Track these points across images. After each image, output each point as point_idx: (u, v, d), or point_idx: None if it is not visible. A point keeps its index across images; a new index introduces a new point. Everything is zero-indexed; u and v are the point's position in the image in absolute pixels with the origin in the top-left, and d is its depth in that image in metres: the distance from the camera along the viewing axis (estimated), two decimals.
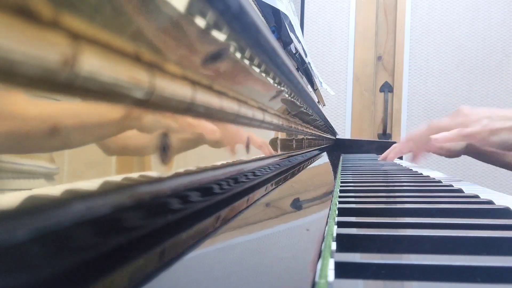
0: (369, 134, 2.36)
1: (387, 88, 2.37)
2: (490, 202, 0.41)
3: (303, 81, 0.70)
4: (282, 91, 0.42)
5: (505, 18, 2.28)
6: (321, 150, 1.16)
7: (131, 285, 0.14)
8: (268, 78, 0.34)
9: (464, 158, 0.95)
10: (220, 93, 0.24)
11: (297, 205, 0.39)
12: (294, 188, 0.47)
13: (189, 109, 0.20)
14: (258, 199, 0.33)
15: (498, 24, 2.28)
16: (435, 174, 0.80)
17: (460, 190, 0.51)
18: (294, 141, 0.61)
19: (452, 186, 0.56)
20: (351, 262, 0.21)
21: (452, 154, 0.91)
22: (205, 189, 0.24)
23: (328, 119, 1.23)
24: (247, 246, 0.23)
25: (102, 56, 0.12)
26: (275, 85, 0.38)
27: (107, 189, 0.14)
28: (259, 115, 0.35)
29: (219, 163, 0.26)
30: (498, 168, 0.94)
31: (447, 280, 0.21)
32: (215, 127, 0.25)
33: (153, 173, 0.17)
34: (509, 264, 0.21)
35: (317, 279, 0.19)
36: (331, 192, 0.45)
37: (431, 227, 0.30)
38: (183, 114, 0.20)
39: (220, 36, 0.21)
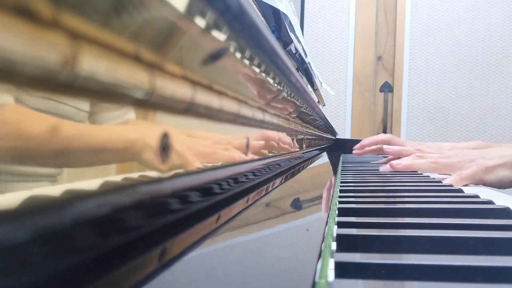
0: (369, 134, 2.36)
1: (387, 88, 2.37)
2: (490, 202, 0.41)
3: (303, 81, 0.70)
4: (282, 91, 0.42)
5: (505, 18, 2.28)
6: (321, 150, 1.16)
7: (131, 285, 0.14)
8: (268, 78, 0.34)
9: None
10: (220, 93, 0.24)
11: (297, 205, 0.39)
12: (294, 188, 0.47)
13: (189, 109, 0.20)
14: (258, 199, 0.33)
15: (498, 24, 2.28)
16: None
17: (460, 190, 0.51)
18: (294, 141, 0.61)
19: (452, 186, 0.56)
20: (351, 262, 0.21)
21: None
22: (205, 189, 0.24)
23: (328, 119, 1.23)
24: (247, 246, 0.23)
25: (102, 56, 0.12)
26: (275, 85, 0.38)
27: (107, 189, 0.14)
28: (259, 115, 0.35)
29: (219, 163, 0.26)
30: None
31: (447, 280, 0.21)
32: (215, 127, 0.25)
33: (153, 173, 0.17)
34: (509, 264, 0.21)
35: (317, 279, 0.19)
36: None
37: (431, 227, 0.30)
38: (183, 114, 0.20)
39: (220, 36, 0.21)
